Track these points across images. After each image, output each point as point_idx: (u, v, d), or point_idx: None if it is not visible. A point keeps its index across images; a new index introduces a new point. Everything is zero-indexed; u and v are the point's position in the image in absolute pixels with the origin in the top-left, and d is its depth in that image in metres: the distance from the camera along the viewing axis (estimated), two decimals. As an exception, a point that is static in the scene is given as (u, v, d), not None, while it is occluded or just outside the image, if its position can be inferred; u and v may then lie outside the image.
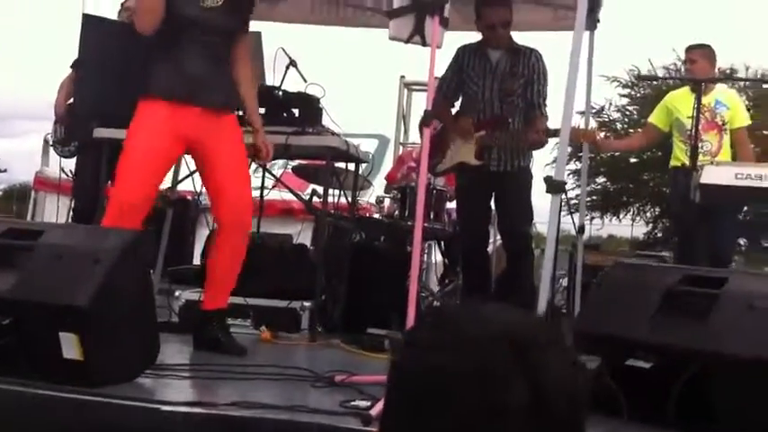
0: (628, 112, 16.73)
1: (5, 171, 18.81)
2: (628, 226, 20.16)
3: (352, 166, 4.83)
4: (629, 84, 16.42)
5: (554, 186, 2.98)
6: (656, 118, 4.98)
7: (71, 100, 4.86)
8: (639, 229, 19.40)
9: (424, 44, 2.81)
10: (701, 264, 4.04)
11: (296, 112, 4.10)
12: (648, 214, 17.79)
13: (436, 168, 4.52)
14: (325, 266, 4.19)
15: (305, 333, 4.01)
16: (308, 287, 4.16)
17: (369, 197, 6.80)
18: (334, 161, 4.47)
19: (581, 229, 5.12)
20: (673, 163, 4.99)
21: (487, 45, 4.36)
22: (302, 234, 6.48)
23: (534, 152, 4.48)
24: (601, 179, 17.05)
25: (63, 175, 8.93)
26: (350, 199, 4.84)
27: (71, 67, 4.84)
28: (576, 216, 5.09)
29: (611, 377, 2.44)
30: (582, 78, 4.23)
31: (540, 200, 4.22)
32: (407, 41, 2.82)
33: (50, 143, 4.91)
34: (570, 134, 3.90)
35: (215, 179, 3.22)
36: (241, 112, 3.46)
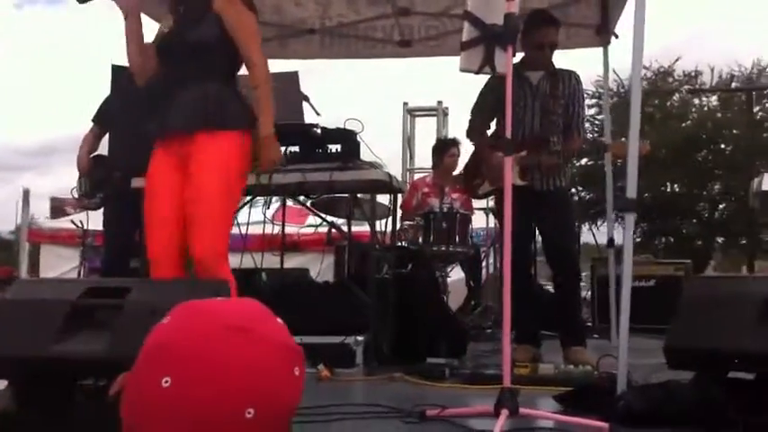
0: (597, 122, 17.02)
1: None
2: (603, 233, 20.38)
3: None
4: (597, 95, 16.74)
5: (625, 203, 2.83)
6: None
7: (94, 153, 4.84)
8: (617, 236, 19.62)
9: (494, 73, 2.83)
10: None
11: (334, 147, 4.10)
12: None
13: (478, 190, 4.49)
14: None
15: (360, 368, 4.01)
16: (354, 321, 4.15)
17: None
18: (377, 193, 4.47)
19: (611, 242, 5.23)
20: None
21: (527, 66, 4.28)
22: (312, 266, 6.49)
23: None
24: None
25: (63, 226, 8.86)
26: (371, 228, 4.83)
27: (92, 121, 4.79)
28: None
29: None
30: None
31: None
32: (478, 72, 2.82)
33: (76, 197, 4.83)
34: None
35: None
36: None
